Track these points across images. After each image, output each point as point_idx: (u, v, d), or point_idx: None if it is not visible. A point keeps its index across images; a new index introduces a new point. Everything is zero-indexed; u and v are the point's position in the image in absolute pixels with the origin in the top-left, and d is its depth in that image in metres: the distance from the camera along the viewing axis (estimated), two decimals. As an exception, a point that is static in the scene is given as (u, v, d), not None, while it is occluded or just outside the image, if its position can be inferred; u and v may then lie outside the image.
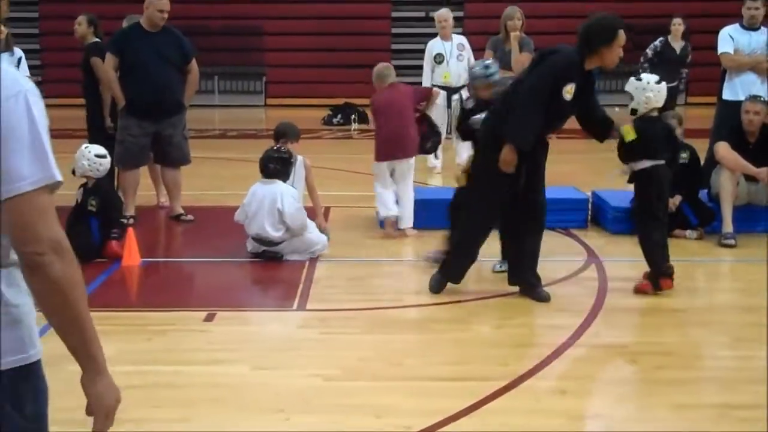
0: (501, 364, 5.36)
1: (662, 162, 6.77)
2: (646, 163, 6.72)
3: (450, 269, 6.78)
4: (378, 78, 8.87)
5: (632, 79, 6.85)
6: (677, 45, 12.19)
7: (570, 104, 6.45)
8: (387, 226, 8.57)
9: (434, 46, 11.83)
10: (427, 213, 8.65)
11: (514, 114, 6.39)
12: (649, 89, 6.75)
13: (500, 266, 7.15)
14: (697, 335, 5.99)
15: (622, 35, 6.39)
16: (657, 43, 12.22)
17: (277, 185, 7.72)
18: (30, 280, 2.19)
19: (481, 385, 4.98)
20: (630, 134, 6.70)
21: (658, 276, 6.69)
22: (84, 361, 2.32)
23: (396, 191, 8.62)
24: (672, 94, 12.00)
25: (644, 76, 6.89)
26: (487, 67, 7.59)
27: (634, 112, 6.81)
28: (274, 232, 7.64)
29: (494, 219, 6.72)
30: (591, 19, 6.52)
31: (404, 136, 8.58)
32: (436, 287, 6.72)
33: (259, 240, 7.72)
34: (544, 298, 6.51)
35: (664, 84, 6.88)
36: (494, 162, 6.37)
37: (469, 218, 6.72)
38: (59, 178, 2.23)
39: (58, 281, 2.18)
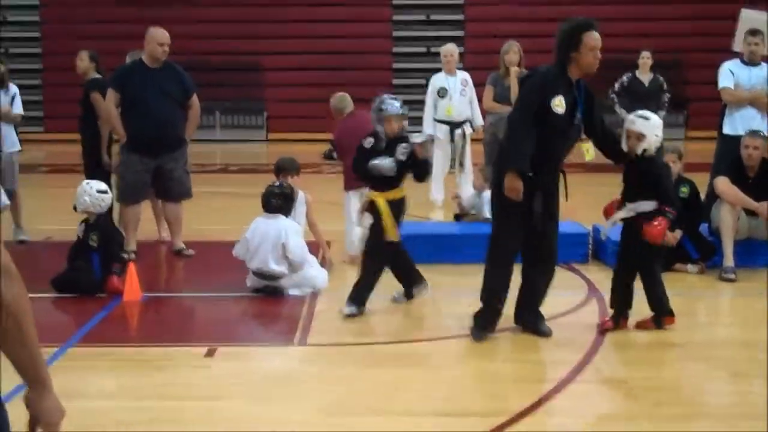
0: (501, 399, 5.36)
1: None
2: (649, 207, 6.47)
3: (484, 316, 6.53)
4: (336, 110, 9.37)
5: (634, 117, 6.52)
6: (645, 78, 12.27)
7: (564, 119, 6.25)
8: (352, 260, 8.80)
9: (438, 80, 11.89)
10: (429, 247, 8.66)
11: (506, 140, 6.42)
12: (658, 127, 6.51)
13: (398, 296, 7.50)
14: (697, 370, 5.97)
15: (589, 37, 6.23)
16: (624, 78, 12.29)
17: (281, 220, 7.75)
18: None
19: (481, 421, 4.97)
20: (589, 153, 6.55)
21: (663, 314, 6.64)
22: (33, 379, 2.38)
23: None
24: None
25: (646, 113, 6.57)
26: (396, 99, 7.28)
27: (644, 152, 6.44)
28: (276, 267, 7.65)
29: (514, 256, 6.51)
30: (559, 27, 6.46)
31: None
32: (478, 336, 6.46)
33: (260, 275, 7.73)
34: (545, 333, 6.46)
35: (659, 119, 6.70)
36: (504, 199, 6.26)
37: (491, 261, 6.52)
38: (7, 202, 2.29)
39: (10, 305, 2.23)
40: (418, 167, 7.18)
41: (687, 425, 5.00)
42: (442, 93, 11.74)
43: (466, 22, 21.93)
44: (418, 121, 23.60)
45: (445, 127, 11.60)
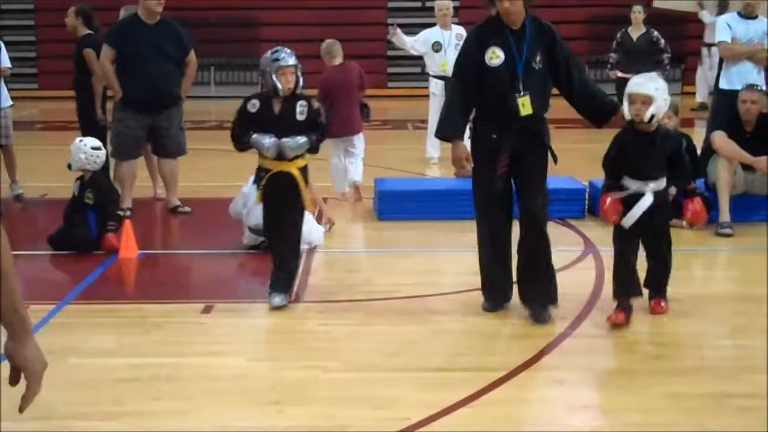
0: (499, 354, 5.37)
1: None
2: (664, 182, 5.89)
3: (484, 290, 6.17)
4: (328, 54, 9.64)
5: (638, 78, 5.77)
6: (635, 34, 12.21)
7: (502, 71, 5.69)
8: (348, 195, 9.52)
9: (433, 34, 11.80)
10: (425, 204, 8.67)
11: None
12: (665, 89, 5.74)
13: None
14: (695, 325, 5.99)
15: None
16: (618, 35, 12.32)
17: None
18: None
19: (480, 376, 4.98)
20: (525, 107, 5.71)
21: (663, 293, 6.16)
22: (15, 326, 2.34)
23: (347, 163, 9.56)
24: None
25: (653, 75, 5.95)
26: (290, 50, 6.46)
27: (652, 118, 5.67)
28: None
29: (497, 223, 6.00)
30: None
31: (354, 115, 9.56)
32: (490, 306, 6.12)
33: (257, 231, 7.71)
34: (537, 320, 5.86)
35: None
36: (475, 163, 5.90)
37: (477, 233, 6.13)
38: None
39: None
40: (319, 130, 6.27)
41: (686, 379, 5.02)
42: (436, 47, 11.65)
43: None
44: (416, 77, 23.43)
45: (440, 82, 11.53)
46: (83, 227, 7.72)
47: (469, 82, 5.78)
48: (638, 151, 5.75)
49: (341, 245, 7.95)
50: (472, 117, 6.00)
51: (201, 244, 8.08)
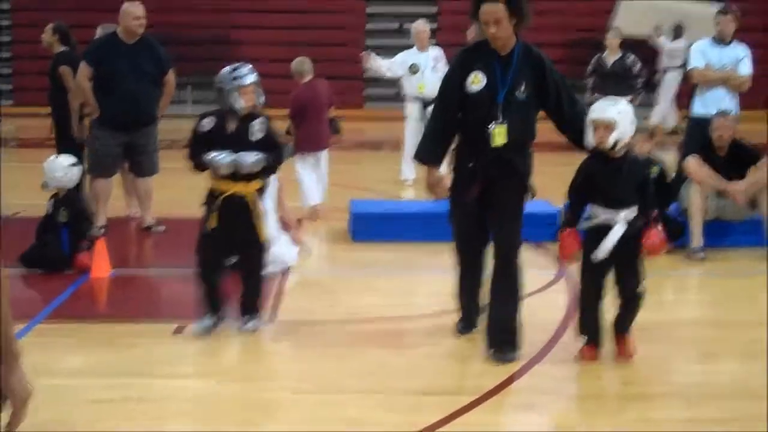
0: (471, 378, 5.38)
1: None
2: (633, 213, 5.50)
3: (461, 312, 6.10)
4: (298, 72, 9.98)
5: (602, 102, 5.53)
6: (611, 59, 12.33)
7: (483, 96, 5.48)
8: (313, 213, 9.54)
9: (409, 56, 11.82)
10: (400, 226, 8.68)
11: None
12: (631, 113, 5.45)
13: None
14: (665, 350, 6.02)
15: (482, 10, 5.44)
16: (593, 59, 12.43)
17: None
18: None
19: (451, 399, 4.99)
20: (499, 137, 5.45)
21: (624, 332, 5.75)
22: (5, 354, 2.35)
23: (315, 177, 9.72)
24: None
25: (618, 99, 5.60)
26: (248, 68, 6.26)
27: (615, 145, 5.36)
28: None
29: (471, 251, 5.86)
30: None
31: (323, 131, 9.81)
32: (461, 329, 6.07)
33: (231, 252, 7.71)
34: (499, 360, 5.59)
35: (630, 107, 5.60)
36: (452, 191, 5.76)
37: (454, 258, 6.00)
38: None
39: None
40: (276, 151, 6.08)
41: (655, 404, 5.04)
42: (413, 68, 11.69)
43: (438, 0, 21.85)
44: (392, 99, 23.43)
45: (417, 105, 11.56)
46: (56, 245, 7.68)
47: (451, 107, 5.64)
48: (606, 178, 5.47)
49: (315, 266, 7.95)
50: (455, 143, 5.82)
51: (174, 263, 8.04)
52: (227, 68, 6.14)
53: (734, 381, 5.46)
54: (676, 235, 8.58)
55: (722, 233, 8.76)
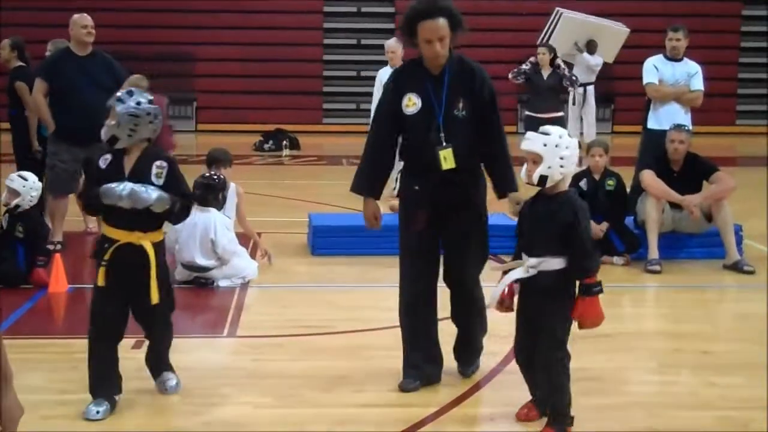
0: (433, 390, 5.38)
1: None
2: (557, 264, 4.65)
3: (405, 356, 5.51)
4: None
5: (532, 133, 4.71)
6: (545, 73, 12.47)
7: (419, 120, 5.15)
8: None
9: (383, 74, 11.76)
10: (356, 239, 8.69)
11: None
12: (563, 146, 4.62)
13: None
14: (624, 361, 6.07)
15: (423, 27, 5.06)
16: (526, 65, 12.49)
17: (211, 214, 7.69)
18: None
19: (412, 412, 5.00)
20: (447, 161, 5.11)
21: (566, 421, 4.78)
22: None
23: None
24: (560, 125, 12.37)
25: (551, 128, 4.69)
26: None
27: (543, 180, 4.62)
28: (204, 261, 7.61)
29: (415, 282, 5.40)
30: None
31: (163, 145, 9.41)
32: (406, 387, 5.37)
33: (189, 267, 7.68)
34: (466, 373, 5.58)
35: (576, 140, 4.85)
36: (401, 217, 5.43)
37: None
38: None
39: None
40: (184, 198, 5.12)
41: (614, 414, 5.08)
42: None
43: (396, 15, 21.95)
44: (351, 114, 23.38)
45: None
46: (12, 261, 7.61)
47: (387, 132, 5.29)
48: (528, 219, 4.78)
49: (275, 280, 7.93)
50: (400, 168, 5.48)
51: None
52: (127, 94, 5.14)
53: (691, 392, 5.52)
54: (633, 247, 8.68)
55: (678, 246, 8.87)
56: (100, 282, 5.01)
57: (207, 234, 7.58)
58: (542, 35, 17.32)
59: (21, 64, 9.84)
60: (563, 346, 4.71)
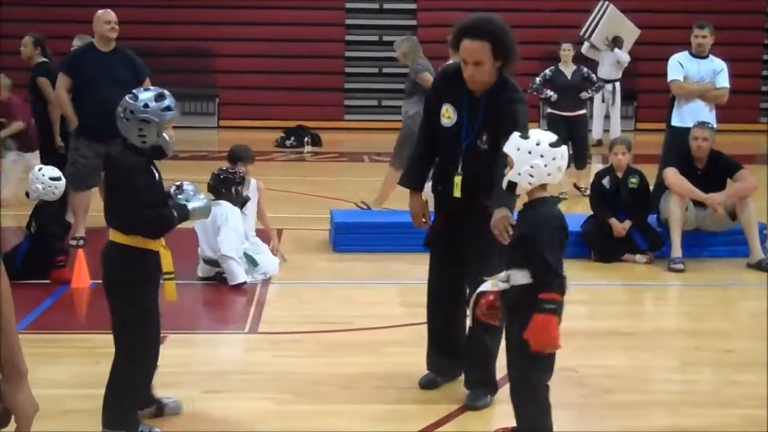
0: (453, 387, 5.37)
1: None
2: (523, 278, 4.20)
3: (428, 351, 5.44)
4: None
5: (515, 134, 4.29)
6: (568, 71, 12.35)
7: (450, 135, 5.03)
8: None
9: None
10: (377, 236, 8.69)
11: None
12: (537, 153, 4.17)
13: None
14: (645, 359, 6.04)
15: (462, 47, 4.90)
16: (547, 71, 12.31)
17: (220, 207, 7.69)
18: None
19: (432, 409, 4.99)
20: (457, 187, 5.01)
21: None
22: (10, 370, 2.35)
23: None
24: (583, 123, 12.36)
25: (534, 132, 4.26)
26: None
27: (512, 186, 4.26)
28: (211, 254, 7.62)
29: (441, 291, 5.32)
30: None
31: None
32: (426, 384, 5.37)
33: (207, 262, 7.69)
34: (474, 407, 5.08)
35: (564, 149, 4.27)
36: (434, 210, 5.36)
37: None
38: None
39: None
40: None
41: (636, 412, 5.06)
42: None
43: (417, 12, 21.91)
44: (372, 110, 23.38)
45: None
46: (11, 258, 7.41)
47: (433, 130, 5.17)
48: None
49: (296, 277, 7.93)
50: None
51: (154, 274, 8.01)
52: (145, 94, 4.62)
53: (713, 390, 5.49)
54: (656, 245, 8.63)
55: (701, 244, 8.81)
56: (175, 296, 4.71)
57: (214, 225, 7.58)
58: (585, 28, 17.23)
59: (43, 60, 9.89)
60: (533, 364, 4.25)
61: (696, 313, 7.24)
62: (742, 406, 5.15)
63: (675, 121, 9.58)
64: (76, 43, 9.93)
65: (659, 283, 8.10)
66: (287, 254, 8.38)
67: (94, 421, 4.77)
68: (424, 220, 5.32)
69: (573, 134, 11.69)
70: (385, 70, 20.91)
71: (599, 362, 5.92)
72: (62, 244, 7.83)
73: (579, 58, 13.52)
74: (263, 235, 8.32)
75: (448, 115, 5.02)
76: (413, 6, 22.11)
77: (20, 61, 10.42)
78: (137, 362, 4.57)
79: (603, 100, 17.04)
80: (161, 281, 4.61)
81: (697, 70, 9.56)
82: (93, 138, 8.91)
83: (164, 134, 4.54)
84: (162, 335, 6.14)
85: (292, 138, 18.03)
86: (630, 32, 17.89)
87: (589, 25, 17.25)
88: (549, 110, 12.42)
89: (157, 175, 4.57)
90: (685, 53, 9.71)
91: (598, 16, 17.30)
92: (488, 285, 4.35)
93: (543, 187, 4.23)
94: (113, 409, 4.52)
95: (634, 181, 8.74)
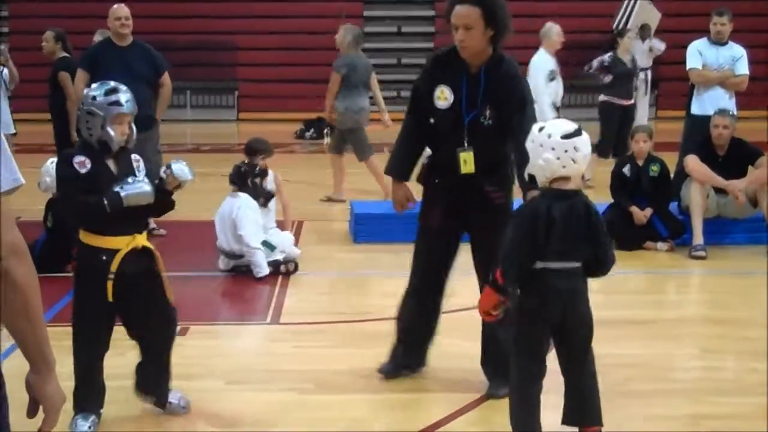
0: (471, 376, 5.38)
1: (573, 265, 4.19)
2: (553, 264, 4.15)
3: (394, 348, 5.48)
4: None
5: (533, 127, 4.26)
6: (626, 58, 12.15)
7: (448, 115, 4.95)
8: None
9: (541, 62, 11.36)
10: (397, 227, 8.69)
11: None
12: (548, 146, 4.11)
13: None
14: (667, 347, 6.03)
15: (452, 14, 4.88)
16: (606, 57, 11.98)
17: (237, 198, 7.72)
18: None
19: (455, 397, 5.01)
20: (466, 165, 4.92)
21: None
22: (38, 361, 2.37)
23: None
24: (630, 115, 11.98)
25: (548, 124, 4.22)
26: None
27: (531, 179, 4.25)
28: (227, 246, 7.65)
29: (423, 274, 5.32)
30: None
31: None
32: (387, 371, 5.40)
33: (228, 255, 7.73)
34: (491, 395, 5.10)
35: (582, 138, 4.14)
36: (423, 202, 5.26)
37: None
38: (23, 181, 2.25)
39: (20, 285, 2.21)
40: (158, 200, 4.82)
41: (658, 401, 5.06)
42: (551, 75, 11.25)
43: (436, 2, 21.87)
44: (391, 102, 23.49)
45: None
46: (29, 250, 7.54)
47: (421, 118, 5.12)
48: None
49: (316, 268, 7.96)
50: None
51: (176, 266, 8.00)
52: (94, 88, 4.70)
53: (735, 378, 5.48)
54: (678, 233, 8.62)
55: (723, 231, 8.79)
56: (110, 298, 4.59)
57: (230, 216, 7.62)
58: (618, 20, 17.14)
59: (65, 54, 9.95)
60: (520, 353, 4.27)
61: (717, 301, 7.23)
62: (763, 394, 5.13)
63: (695, 109, 9.54)
64: (97, 38, 10.00)
65: (681, 270, 8.08)
66: (308, 246, 8.41)
67: (123, 411, 4.82)
68: (410, 203, 5.26)
69: (625, 123, 11.42)
70: (403, 61, 20.88)
71: (620, 351, 5.91)
72: (72, 239, 7.87)
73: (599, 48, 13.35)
74: (281, 225, 8.36)
75: (444, 97, 4.96)
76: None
77: (31, 56, 10.47)
78: (75, 352, 4.76)
79: (645, 91, 16.86)
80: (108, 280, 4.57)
81: (716, 57, 9.51)
82: (113, 132, 8.96)
83: (109, 129, 4.54)
84: (183, 327, 6.22)
85: (312, 130, 18.06)
86: (656, 18, 17.77)
87: (621, 17, 17.14)
88: (604, 98, 11.89)
89: (100, 166, 4.59)
90: (704, 40, 9.67)
91: (630, 7, 17.19)
92: None
93: (564, 179, 4.15)
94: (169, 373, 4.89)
95: (655, 168, 8.72)
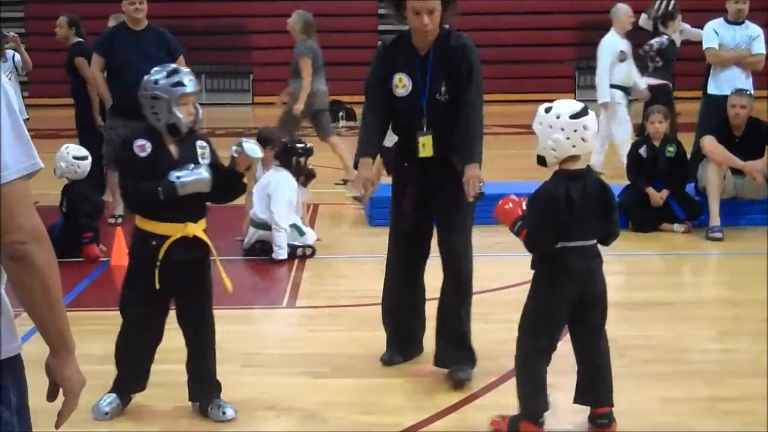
0: (487, 359, 5.38)
1: (589, 242, 4.27)
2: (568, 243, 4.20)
3: (388, 337, 5.48)
4: None
5: (539, 108, 4.26)
6: (678, 41, 11.74)
7: (407, 102, 4.95)
8: None
9: (611, 44, 11.19)
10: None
11: None
12: (557, 127, 4.12)
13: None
14: (684, 329, 6.02)
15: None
16: (664, 40, 11.34)
17: (278, 174, 7.80)
18: (11, 268, 2.22)
19: (469, 382, 5.01)
20: (425, 148, 4.91)
21: (528, 416, 4.41)
22: (58, 345, 2.37)
23: None
24: (668, 96, 11.32)
25: (556, 104, 4.20)
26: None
27: (541, 161, 4.26)
28: (260, 214, 7.72)
29: (403, 264, 5.35)
30: None
31: None
32: (386, 359, 5.40)
33: (256, 224, 7.75)
34: (455, 381, 5.02)
35: (590, 118, 4.18)
36: (392, 188, 5.27)
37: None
38: (41, 165, 2.24)
39: (40, 269, 2.22)
40: (229, 183, 4.71)
41: (674, 383, 5.05)
42: (622, 57, 11.06)
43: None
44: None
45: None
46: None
47: (379, 108, 5.06)
48: None
49: (332, 251, 7.97)
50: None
51: (192, 251, 8.08)
52: (156, 72, 4.65)
53: (752, 359, 5.46)
54: (695, 214, 8.58)
55: (740, 212, 8.75)
56: (157, 285, 4.53)
57: (267, 189, 7.72)
58: (656, 10, 16.98)
59: (79, 40, 9.97)
60: (529, 331, 4.38)
61: (735, 283, 7.20)
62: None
63: (711, 89, 9.49)
64: (112, 23, 10.00)
65: (698, 252, 8.05)
66: (323, 229, 8.42)
67: (139, 395, 4.83)
68: (372, 189, 5.10)
69: (668, 104, 11.03)
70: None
71: (638, 332, 5.91)
72: (90, 222, 7.91)
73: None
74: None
75: (402, 84, 4.96)
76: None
77: (47, 41, 10.49)
78: (119, 333, 4.80)
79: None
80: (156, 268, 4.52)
81: (733, 37, 9.45)
82: (128, 116, 8.95)
83: (176, 110, 4.47)
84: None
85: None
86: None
87: (659, 7, 16.98)
88: (654, 81, 11.28)
89: (161, 151, 4.53)
90: (721, 20, 9.60)
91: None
92: None
93: (573, 158, 4.18)
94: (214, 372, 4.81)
95: (671, 149, 8.68)
